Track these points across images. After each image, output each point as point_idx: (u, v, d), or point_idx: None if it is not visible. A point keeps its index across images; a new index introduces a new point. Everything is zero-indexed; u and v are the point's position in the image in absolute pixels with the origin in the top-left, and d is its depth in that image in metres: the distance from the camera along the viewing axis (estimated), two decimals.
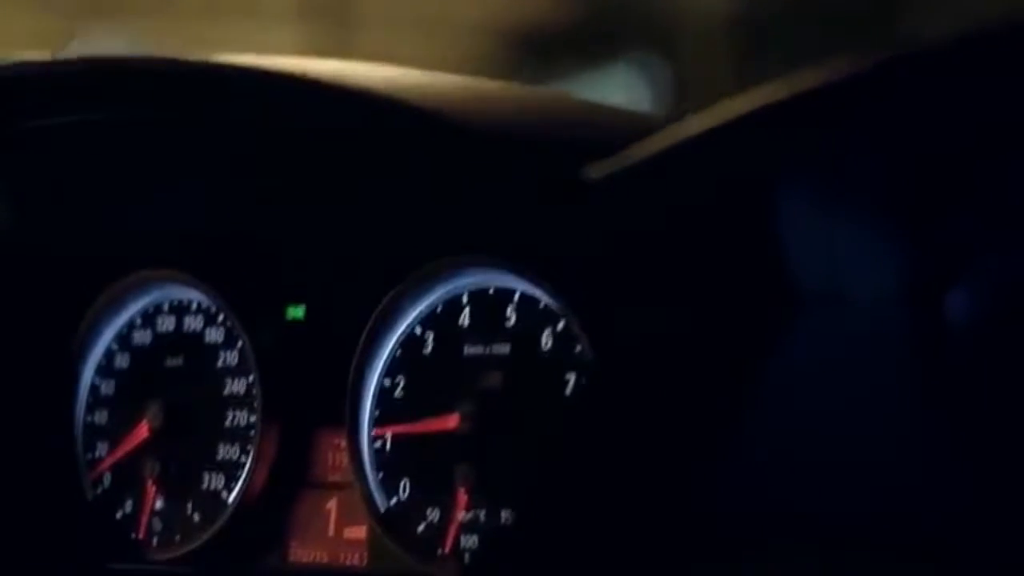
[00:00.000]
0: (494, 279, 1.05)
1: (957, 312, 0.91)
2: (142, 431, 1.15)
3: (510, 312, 1.04)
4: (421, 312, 1.08)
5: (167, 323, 1.19)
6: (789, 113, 0.83)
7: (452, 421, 1.03)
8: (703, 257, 0.90)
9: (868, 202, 0.88)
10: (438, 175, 1.05)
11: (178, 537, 1.14)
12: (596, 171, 0.90)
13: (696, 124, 0.87)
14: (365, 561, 1.07)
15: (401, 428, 1.06)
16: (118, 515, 1.17)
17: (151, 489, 1.16)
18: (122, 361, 1.20)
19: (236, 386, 1.14)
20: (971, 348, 0.91)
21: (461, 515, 1.03)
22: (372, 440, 1.08)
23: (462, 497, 1.03)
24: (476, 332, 1.05)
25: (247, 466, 1.11)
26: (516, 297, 1.04)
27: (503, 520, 1.01)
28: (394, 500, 1.06)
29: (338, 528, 1.09)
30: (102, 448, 1.19)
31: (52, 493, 1.19)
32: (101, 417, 1.20)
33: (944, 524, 0.87)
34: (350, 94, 0.99)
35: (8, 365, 1.20)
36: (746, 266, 0.88)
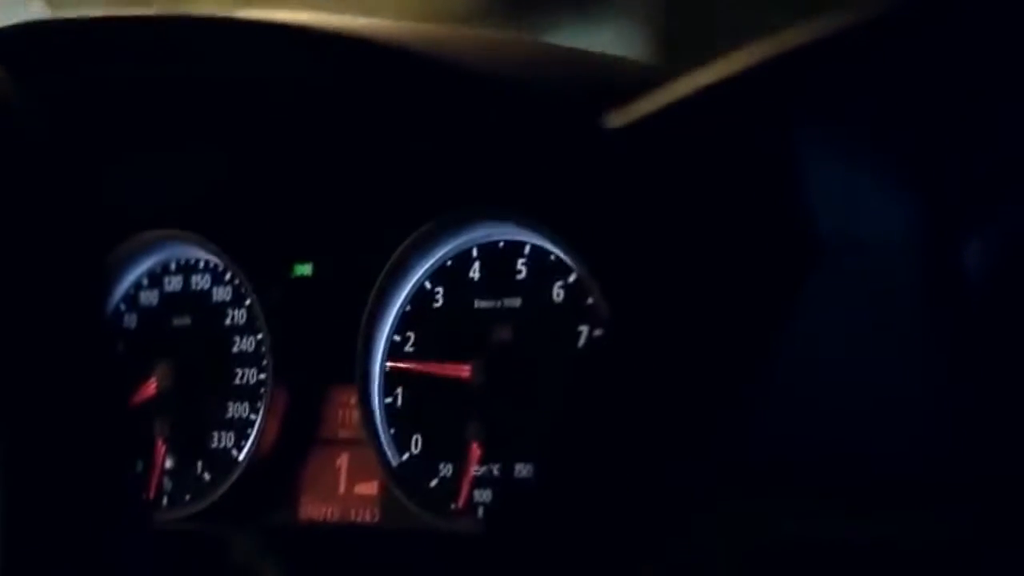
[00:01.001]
0: (504, 232, 1.04)
1: (975, 259, 0.90)
2: (150, 389, 1.15)
3: (520, 265, 1.04)
4: (430, 266, 1.07)
5: (174, 283, 1.19)
6: (804, 58, 0.83)
7: (464, 371, 1.03)
8: (719, 206, 0.89)
9: (885, 148, 0.88)
10: (447, 126, 1.04)
11: (188, 496, 1.14)
12: (615, 120, 0.90)
13: (712, 72, 0.86)
14: (377, 517, 1.07)
15: (413, 365, 1.06)
16: (128, 474, 1.16)
17: (161, 448, 1.15)
18: (130, 321, 1.20)
19: (245, 344, 1.14)
20: (989, 295, 0.90)
21: (474, 469, 1.03)
22: (383, 395, 1.07)
23: (475, 451, 1.03)
24: (486, 286, 1.05)
25: (257, 424, 1.11)
26: (526, 250, 1.03)
27: (517, 474, 1.01)
28: (406, 455, 1.06)
29: (349, 484, 1.08)
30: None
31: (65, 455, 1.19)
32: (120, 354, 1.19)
33: (961, 468, 0.87)
34: (357, 45, 0.98)
35: (19, 330, 1.19)
36: (763, 214, 0.87)
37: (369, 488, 1.08)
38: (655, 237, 0.90)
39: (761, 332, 0.86)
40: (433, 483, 1.04)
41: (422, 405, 1.06)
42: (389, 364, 1.07)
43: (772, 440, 0.86)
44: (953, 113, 0.85)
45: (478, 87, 0.95)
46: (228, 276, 1.16)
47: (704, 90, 0.83)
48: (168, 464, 1.15)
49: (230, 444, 1.13)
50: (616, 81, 0.95)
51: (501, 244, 1.05)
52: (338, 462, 1.09)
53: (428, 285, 1.07)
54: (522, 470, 1.00)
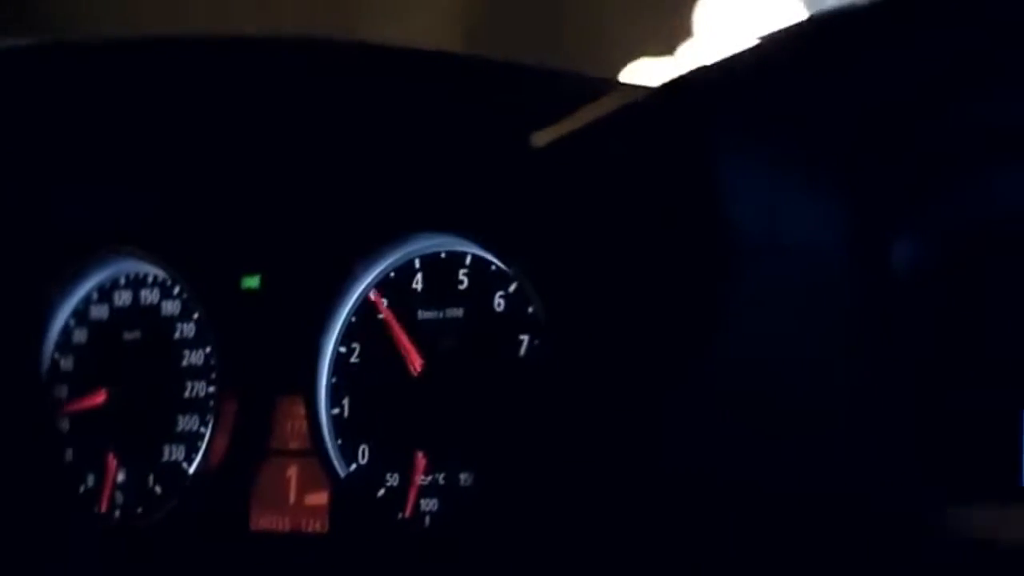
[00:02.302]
0: (445, 244, 1.05)
1: (902, 262, 0.92)
2: (100, 403, 1.16)
3: (462, 276, 1.05)
4: (374, 278, 1.08)
5: (124, 297, 1.19)
6: (726, 72, 0.84)
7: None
8: (648, 216, 0.91)
9: (808, 154, 0.89)
10: (387, 143, 1.05)
11: (140, 509, 1.14)
12: (540, 138, 0.91)
13: (634, 88, 0.88)
14: (327, 527, 1.08)
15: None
16: (80, 489, 1.17)
17: (112, 462, 1.16)
18: (80, 336, 1.21)
19: (194, 357, 1.15)
20: (916, 297, 0.92)
21: (420, 479, 1.04)
22: (330, 406, 1.08)
23: (420, 461, 1.04)
24: (429, 296, 1.06)
25: (207, 436, 1.12)
26: (468, 260, 1.05)
27: (462, 482, 1.02)
28: (353, 466, 1.07)
29: (299, 495, 1.09)
30: (63, 422, 1.19)
31: (17, 469, 1.20)
32: (61, 392, 1.20)
33: (884, 473, 0.89)
34: (298, 60, 0.99)
35: None
36: (690, 222, 0.89)
37: (319, 498, 1.09)
38: (585, 247, 0.91)
39: (689, 336, 0.87)
40: (381, 493, 1.05)
41: (368, 416, 1.07)
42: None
43: (704, 443, 0.88)
44: (876, 118, 0.86)
45: (415, 104, 0.96)
46: (177, 290, 1.17)
47: (627, 107, 0.84)
48: (119, 477, 1.16)
49: (181, 457, 1.14)
50: (546, 96, 0.96)
51: (443, 255, 1.06)
52: (288, 473, 1.10)
53: (373, 296, 1.08)
54: (467, 479, 1.02)
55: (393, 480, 1.05)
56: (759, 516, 0.86)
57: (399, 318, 1.06)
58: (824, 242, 0.91)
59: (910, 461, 0.89)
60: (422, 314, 1.06)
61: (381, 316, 1.07)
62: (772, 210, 0.88)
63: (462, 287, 1.05)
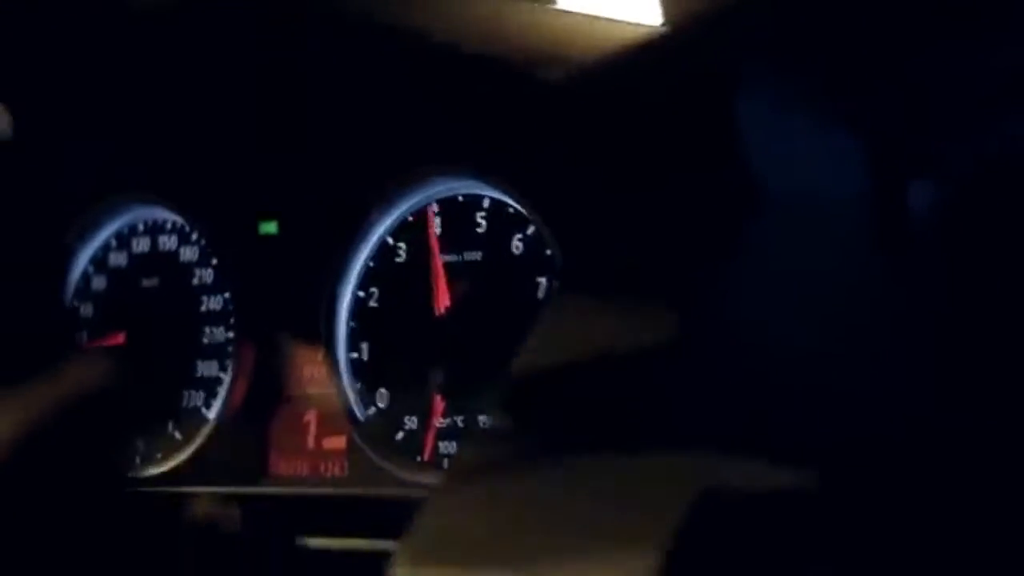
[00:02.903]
0: (462, 187, 1.05)
1: (920, 204, 0.91)
2: (118, 338, 1.17)
3: (480, 219, 1.04)
4: (392, 222, 1.08)
5: (142, 244, 1.20)
6: (748, 10, 0.83)
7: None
8: (667, 157, 0.90)
9: (826, 96, 0.88)
10: (404, 85, 1.05)
11: (160, 455, 1.15)
12: (556, 74, 0.91)
13: (654, 25, 0.87)
14: (345, 471, 1.08)
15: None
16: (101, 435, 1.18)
17: (133, 409, 1.16)
18: (99, 283, 1.21)
19: (212, 303, 1.15)
20: (935, 240, 0.91)
21: (439, 422, 1.04)
22: (349, 351, 1.08)
23: (439, 404, 1.04)
24: (447, 240, 1.06)
25: (226, 382, 1.12)
26: (485, 203, 1.04)
27: (481, 425, 1.02)
28: (372, 410, 1.07)
29: (318, 440, 1.09)
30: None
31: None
32: (81, 340, 1.20)
33: (903, 425, 0.88)
34: (320, 6, 0.99)
35: None
36: (709, 167, 0.88)
37: (337, 443, 1.09)
38: (603, 188, 0.91)
39: (709, 284, 0.87)
40: (399, 436, 1.06)
41: (387, 359, 1.07)
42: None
43: (717, 388, 0.87)
44: (894, 58, 0.85)
45: (432, 45, 0.95)
46: (195, 236, 1.17)
47: (648, 44, 0.84)
48: (139, 424, 1.16)
49: (200, 403, 1.14)
50: (563, 35, 0.95)
51: (460, 199, 1.06)
52: (307, 418, 1.10)
53: (391, 241, 1.08)
54: (486, 421, 1.02)
55: (412, 423, 1.05)
56: (769, 463, 0.85)
57: (417, 261, 1.06)
58: (842, 186, 0.91)
59: (927, 407, 0.89)
60: (441, 257, 1.06)
61: (400, 260, 1.07)
62: (791, 153, 0.88)
63: (480, 230, 1.04)
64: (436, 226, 1.06)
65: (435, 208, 1.07)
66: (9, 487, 0.89)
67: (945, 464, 0.85)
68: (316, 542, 1.08)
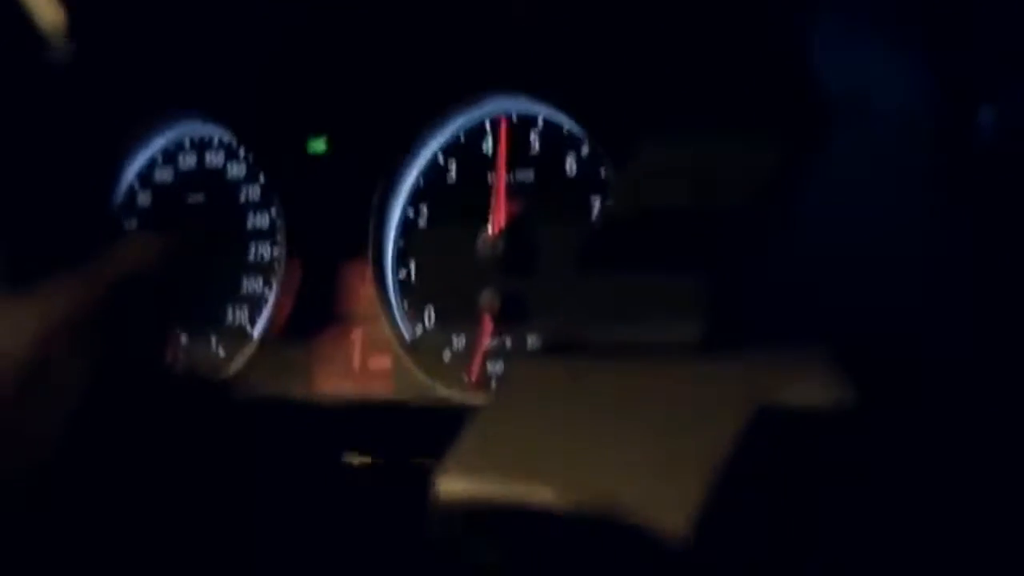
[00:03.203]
0: (516, 106, 1.04)
1: (987, 125, 0.90)
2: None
3: (533, 138, 1.03)
4: (443, 141, 1.07)
5: (188, 160, 1.18)
6: None
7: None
8: (729, 71, 0.89)
9: (897, 12, 0.87)
10: (460, 2, 1.04)
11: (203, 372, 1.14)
12: None
13: None
14: (390, 391, 1.07)
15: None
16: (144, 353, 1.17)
17: (177, 325, 1.15)
18: (144, 199, 1.20)
19: (259, 220, 1.14)
20: (1001, 161, 0.90)
21: (487, 342, 1.03)
22: (396, 269, 1.07)
23: (488, 324, 1.03)
24: (499, 160, 1.04)
25: (271, 300, 1.11)
26: (539, 123, 1.03)
27: (529, 346, 1.01)
28: (419, 329, 1.06)
29: (363, 359, 1.09)
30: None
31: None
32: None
33: (954, 341, 0.87)
34: None
35: (36, 208, 1.19)
36: (774, 79, 0.87)
37: (383, 362, 1.08)
38: (661, 106, 0.90)
39: (770, 196, 0.85)
40: (446, 356, 1.04)
41: (435, 279, 1.06)
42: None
43: (778, 302, 0.86)
44: None
45: None
46: (242, 152, 1.15)
47: None
48: (183, 340, 1.15)
49: (244, 320, 1.13)
50: None
51: (514, 118, 1.04)
52: (352, 336, 1.09)
53: (441, 159, 1.07)
54: (535, 342, 1.00)
55: (459, 343, 1.04)
56: (820, 379, 0.84)
57: (469, 182, 1.05)
58: (911, 105, 0.89)
59: (974, 329, 0.87)
60: (491, 177, 1.04)
61: (450, 179, 1.06)
62: (862, 70, 0.86)
63: (533, 150, 1.03)
64: (488, 145, 1.05)
65: (495, 125, 1.05)
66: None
67: (981, 390, 0.84)
68: (360, 461, 1.07)
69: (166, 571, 0.76)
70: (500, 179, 1.04)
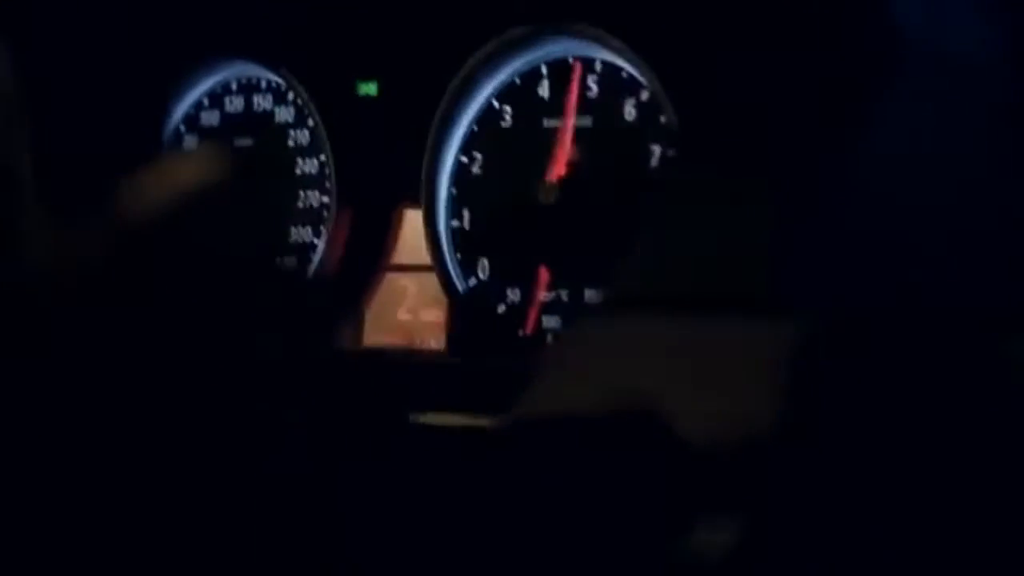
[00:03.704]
0: (574, 48, 1.00)
1: None
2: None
3: (591, 82, 0.99)
4: (498, 85, 1.03)
5: (235, 103, 1.15)
6: None
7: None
8: (799, 15, 0.84)
9: None
10: None
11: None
12: None
13: None
14: (443, 344, 1.04)
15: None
16: None
17: None
18: (190, 142, 1.17)
19: (308, 166, 1.11)
20: None
21: (543, 295, 0.99)
22: (450, 219, 1.03)
23: (544, 276, 0.99)
24: (556, 104, 1.00)
25: (320, 248, 1.08)
26: (597, 66, 0.99)
27: (587, 299, 0.97)
28: (472, 281, 1.02)
29: (414, 311, 1.05)
30: None
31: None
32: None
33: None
34: None
35: (82, 152, 1.16)
36: (846, 23, 0.83)
37: (435, 315, 1.05)
38: (729, 50, 0.86)
39: (841, 145, 0.81)
40: (501, 309, 1.01)
41: (489, 229, 1.02)
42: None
43: (844, 258, 0.82)
44: None
45: None
46: (291, 96, 1.12)
47: None
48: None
49: (293, 268, 1.10)
50: None
51: (571, 60, 1.00)
52: (404, 287, 1.06)
53: (496, 104, 1.03)
54: (592, 295, 0.97)
55: (514, 296, 1.01)
56: (892, 329, 0.80)
57: (523, 126, 1.01)
58: (987, 50, 0.85)
59: None
60: (547, 123, 1.00)
61: (505, 124, 1.02)
62: (937, 17, 0.82)
63: (591, 94, 0.99)
64: (544, 89, 1.01)
65: (543, 70, 1.01)
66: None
67: None
68: (412, 416, 1.04)
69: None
70: (567, 123, 0.99)
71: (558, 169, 0.99)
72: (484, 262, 1.02)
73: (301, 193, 1.10)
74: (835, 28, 0.82)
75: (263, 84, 1.14)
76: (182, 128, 1.17)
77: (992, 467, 0.75)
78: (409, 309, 1.06)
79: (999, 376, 0.80)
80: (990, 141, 0.86)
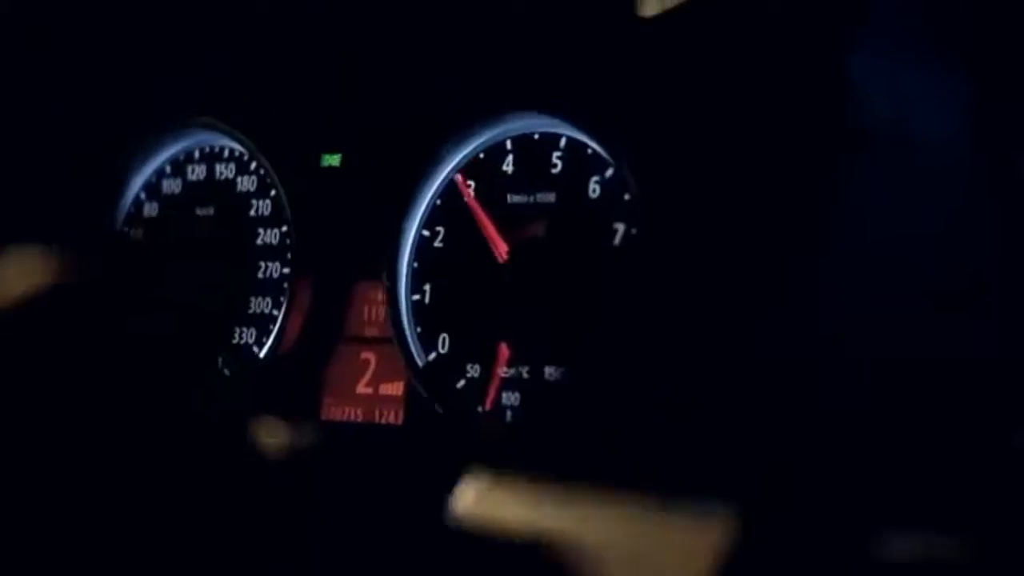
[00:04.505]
0: (539, 124, 0.99)
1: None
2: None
3: (556, 159, 0.99)
4: (462, 159, 1.02)
5: (198, 171, 1.14)
6: None
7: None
8: (764, 99, 0.85)
9: (941, 43, 0.83)
10: (484, 13, 1.00)
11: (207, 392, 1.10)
12: (651, 7, 0.85)
13: None
14: (401, 419, 1.03)
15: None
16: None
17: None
18: (151, 210, 1.16)
19: (269, 236, 1.10)
20: None
21: (502, 371, 0.98)
22: (411, 292, 1.03)
23: (503, 352, 0.98)
24: (520, 180, 1.00)
25: (279, 319, 1.07)
26: (562, 143, 0.99)
27: (547, 376, 0.96)
28: (433, 355, 1.02)
29: (374, 384, 1.04)
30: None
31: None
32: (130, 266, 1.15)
33: (991, 368, 0.83)
34: None
35: (41, 217, 1.16)
36: (809, 106, 0.83)
37: (395, 388, 1.04)
38: (694, 129, 0.86)
39: (803, 225, 0.81)
40: (460, 384, 1.00)
41: (450, 303, 1.02)
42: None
43: (805, 337, 0.82)
44: (1007, 11, 0.80)
45: None
46: (254, 165, 1.11)
47: None
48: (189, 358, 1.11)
49: (251, 340, 1.09)
50: None
51: (536, 136, 1.00)
52: (363, 361, 1.05)
53: (459, 179, 1.03)
54: (552, 372, 0.96)
55: (474, 371, 1.00)
56: (852, 404, 0.80)
57: (487, 202, 1.01)
58: (950, 136, 0.85)
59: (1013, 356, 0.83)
60: (511, 198, 1.00)
61: (466, 201, 1.01)
62: (901, 98, 0.82)
63: (555, 171, 0.99)
64: (509, 164, 1.01)
65: (508, 146, 1.01)
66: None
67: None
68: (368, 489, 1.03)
69: None
70: (478, 212, 1.00)
71: (500, 249, 0.99)
72: (445, 336, 1.02)
73: (262, 264, 1.10)
74: (800, 108, 0.83)
75: (226, 153, 1.13)
76: (143, 196, 1.16)
77: None
78: (369, 382, 1.05)
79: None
80: (953, 222, 0.86)
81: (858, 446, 0.81)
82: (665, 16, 0.85)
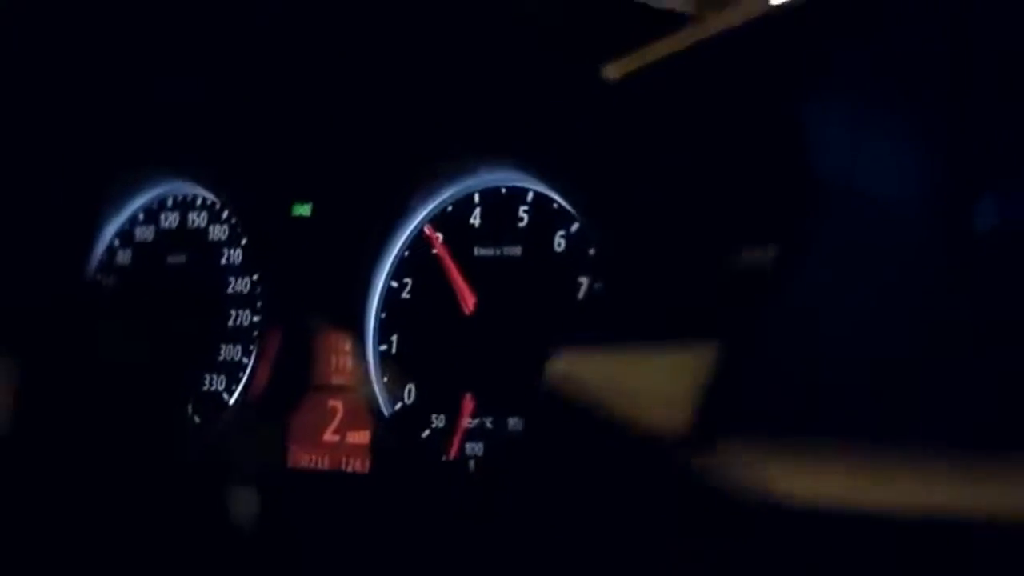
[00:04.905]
0: (507, 179, 1.01)
1: (984, 222, 0.87)
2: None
3: (522, 213, 1.00)
4: (431, 211, 1.04)
5: (170, 219, 1.16)
6: (814, 13, 0.79)
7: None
8: (725, 158, 0.86)
9: (894, 100, 0.84)
10: (452, 69, 1.01)
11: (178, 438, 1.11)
12: (613, 71, 0.87)
13: (717, 23, 0.83)
14: (367, 467, 1.04)
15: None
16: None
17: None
18: (124, 257, 1.17)
19: (240, 285, 1.11)
20: (994, 257, 0.87)
21: (467, 421, 1.00)
22: (378, 342, 1.04)
23: (468, 403, 1.00)
24: (487, 233, 1.01)
25: (249, 367, 1.08)
26: (529, 197, 1.00)
27: (510, 427, 0.98)
28: (399, 405, 1.03)
29: (341, 433, 1.05)
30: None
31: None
32: (102, 314, 1.17)
33: (955, 428, 0.84)
34: None
35: (15, 262, 1.17)
36: (768, 165, 0.84)
37: (361, 437, 1.05)
38: (657, 186, 0.87)
39: (763, 283, 0.83)
40: (425, 434, 1.01)
41: (417, 354, 1.03)
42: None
43: (766, 391, 0.83)
44: (964, 74, 0.81)
45: (480, 33, 0.92)
46: (225, 214, 1.13)
47: (707, 41, 0.80)
48: (158, 405, 1.12)
49: (221, 387, 1.10)
50: (622, 29, 0.91)
51: (504, 190, 1.01)
52: (330, 409, 1.06)
53: (428, 231, 1.04)
54: (516, 423, 0.97)
55: (439, 421, 1.01)
56: (814, 465, 0.81)
57: (454, 254, 1.02)
58: (905, 194, 0.87)
59: (965, 424, 0.84)
60: (478, 251, 1.02)
61: (435, 251, 1.03)
62: (854, 156, 0.84)
63: (521, 224, 1.00)
64: (476, 217, 1.02)
65: (476, 199, 1.02)
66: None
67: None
68: (334, 536, 1.04)
69: None
70: (448, 264, 1.02)
71: (468, 301, 1.00)
72: (411, 387, 1.03)
73: (232, 312, 1.11)
74: (753, 167, 0.84)
75: (198, 202, 1.14)
76: (116, 242, 1.17)
77: None
78: (336, 430, 1.06)
79: None
80: (906, 279, 0.87)
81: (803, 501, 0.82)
82: (628, 77, 0.86)
